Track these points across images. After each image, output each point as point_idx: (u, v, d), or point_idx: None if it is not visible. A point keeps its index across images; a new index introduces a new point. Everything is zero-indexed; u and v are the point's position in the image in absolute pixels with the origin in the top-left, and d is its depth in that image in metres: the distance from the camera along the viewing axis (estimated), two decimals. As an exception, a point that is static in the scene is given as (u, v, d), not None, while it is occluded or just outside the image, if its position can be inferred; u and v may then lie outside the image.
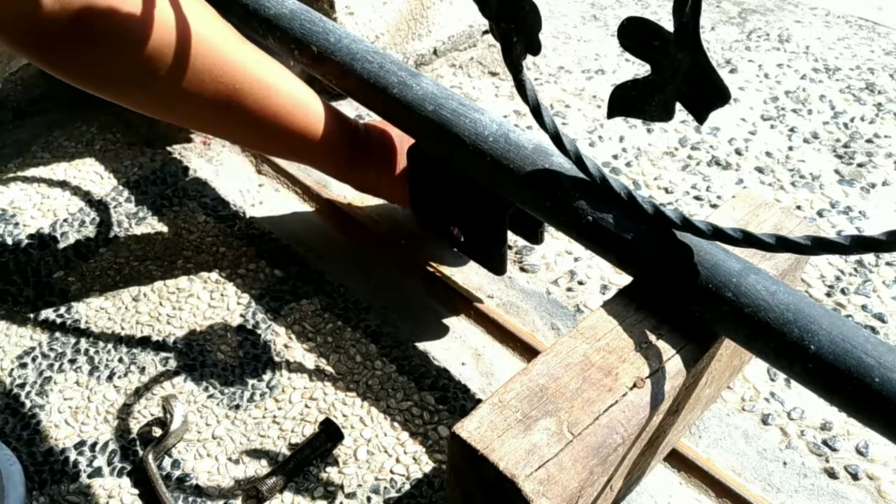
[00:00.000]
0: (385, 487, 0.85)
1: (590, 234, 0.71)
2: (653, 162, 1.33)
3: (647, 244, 0.68)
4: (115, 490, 0.85)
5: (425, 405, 0.94)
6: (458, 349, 1.01)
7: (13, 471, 0.84)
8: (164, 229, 1.18)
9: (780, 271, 0.75)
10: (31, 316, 1.05)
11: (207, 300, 1.07)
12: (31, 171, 1.30)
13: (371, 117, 1.40)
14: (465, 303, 1.06)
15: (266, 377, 0.96)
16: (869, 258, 1.15)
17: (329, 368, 0.98)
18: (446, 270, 1.10)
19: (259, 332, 1.02)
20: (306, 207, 1.23)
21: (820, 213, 1.23)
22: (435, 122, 0.82)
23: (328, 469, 0.87)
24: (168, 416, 0.88)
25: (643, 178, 1.30)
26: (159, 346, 1.00)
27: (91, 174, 1.29)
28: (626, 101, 0.63)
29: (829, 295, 1.09)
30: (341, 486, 0.85)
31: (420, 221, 1.02)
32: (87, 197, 1.24)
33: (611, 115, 0.64)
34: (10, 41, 0.71)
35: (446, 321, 1.04)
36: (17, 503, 0.82)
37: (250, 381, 0.96)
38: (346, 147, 0.98)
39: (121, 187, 1.26)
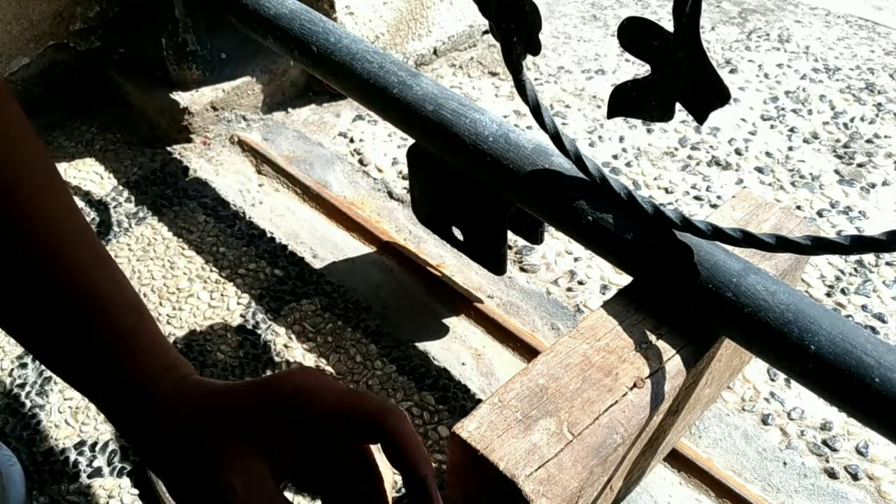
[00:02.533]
0: (385, 487, 0.85)
1: (590, 234, 0.71)
2: (653, 162, 1.33)
3: (647, 244, 0.68)
4: (115, 490, 0.85)
5: (425, 405, 0.94)
6: (458, 349, 1.01)
7: (13, 471, 0.84)
8: (164, 229, 1.18)
9: (780, 271, 0.75)
10: (31, 316, 1.05)
11: (207, 300, 1.07)
12: (31, 171, 1.29)
13: (360, 131, 1.40)
14: (465, 303, 1.06)
15: (266, 377, 0.96)
16: (869, 258, 1.15)
17: (329, 368, 0.98)
18: (446, 270, 1.11)
19: (259, 332, 1.02)
20: (306, 207, 1.23)
21: (820, 213, 1.23)
22: (435, 122, 0.82)
23: (328, 469, 0.87)
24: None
25: (643, 178, 1.30)
26: (159, 346, 1.00)
27: (91, 174, 1.29)
28: (626, 102, 0.63)
29: (829, 295, 1.09)
30: None
31: (420, 221, 1.02)
32: (87, 197, 1.24)
33: (611, 115, 0.64)
34: None
35: (446, 321, 1.04)
36: (17, 503, 0.82)
37: (250, 381, 0.96)
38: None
39: (121, 187, 1.26)
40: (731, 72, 1.57)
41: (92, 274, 0.44)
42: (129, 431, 0.43)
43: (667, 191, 1.27)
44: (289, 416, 0.41)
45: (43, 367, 0.98)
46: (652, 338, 0.68)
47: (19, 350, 1.00)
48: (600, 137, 1.39)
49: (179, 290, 1.08)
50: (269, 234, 1.17)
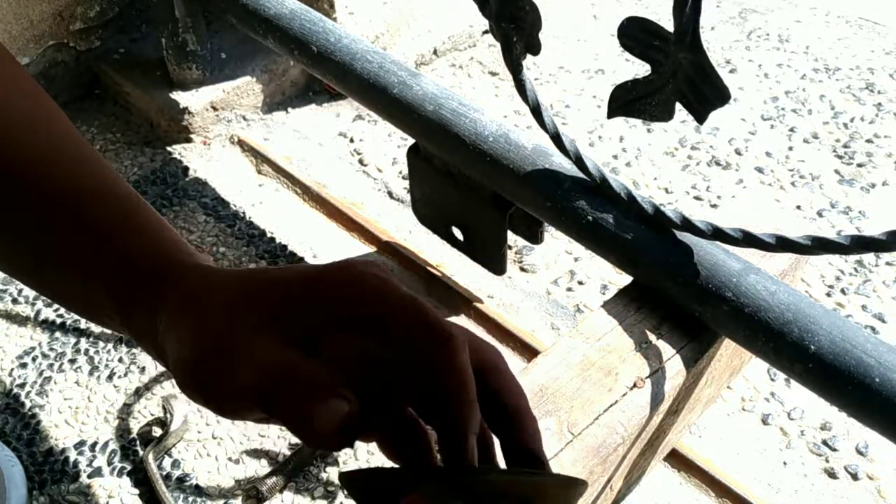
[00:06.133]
0: (385, 487, 0.85)
1: (590, 234, 0.71)
2: (653, 162, 1.33)
3: (647, 244, 0.68)
4: (115, 490, 0.85)
5: (425, 405, 0.94)
6: (458, 349, 1.01)
7: (14, 472, 0.84)
8: (164, 229, 1.18)
9: (780, 271, 0.75)
10: (31, 316, 1.04)
11: (207, 300, 1.07)
12: (31, 171, 1.29)
13: (359, 133, 1.40)
14: (465, 303, 1.06)
15: (266, 377, 0.96)
16: (869, 258, 1.15)
17: (329, 368, 0.98)
18: (446, 270, 1.10)
19: (259, 332, 1.02)
20: (306, 207, 1.23)
21: (820, 213, 1.23)
22: (435, 122, 0.82)
23: (328, 469, 0.87)
24: (168, 415, 0.88)
25: (643, 178, 1.30)
26: (159, 346, 1.00)
27: (91, 174, 1.29)
28: (626, 101, 0.63)
29: (829, 295, 1.09)
30: (341, 486, 0.85)
31: (420, 221, 1.02)
32: (87, 197, 1.24)
33: (611, 115, 0.64)
34: None
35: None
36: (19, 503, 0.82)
37: (250, 381, 0.96)
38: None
39: (121, 187, 1.26)
40: (731, 72, 1.57)
41: (81, 168, 0.39)
42: (144, 320, 0.35)
43: (667, 191, 1.27)
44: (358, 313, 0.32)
45: (43, 366, 0.98)
46: (652, 338, 0.68)
47: (19, 350, 1.00)
48: (600, 137, 1.39)
49: (179, 290, 1.08)
50: (269, 234, 1.17)
